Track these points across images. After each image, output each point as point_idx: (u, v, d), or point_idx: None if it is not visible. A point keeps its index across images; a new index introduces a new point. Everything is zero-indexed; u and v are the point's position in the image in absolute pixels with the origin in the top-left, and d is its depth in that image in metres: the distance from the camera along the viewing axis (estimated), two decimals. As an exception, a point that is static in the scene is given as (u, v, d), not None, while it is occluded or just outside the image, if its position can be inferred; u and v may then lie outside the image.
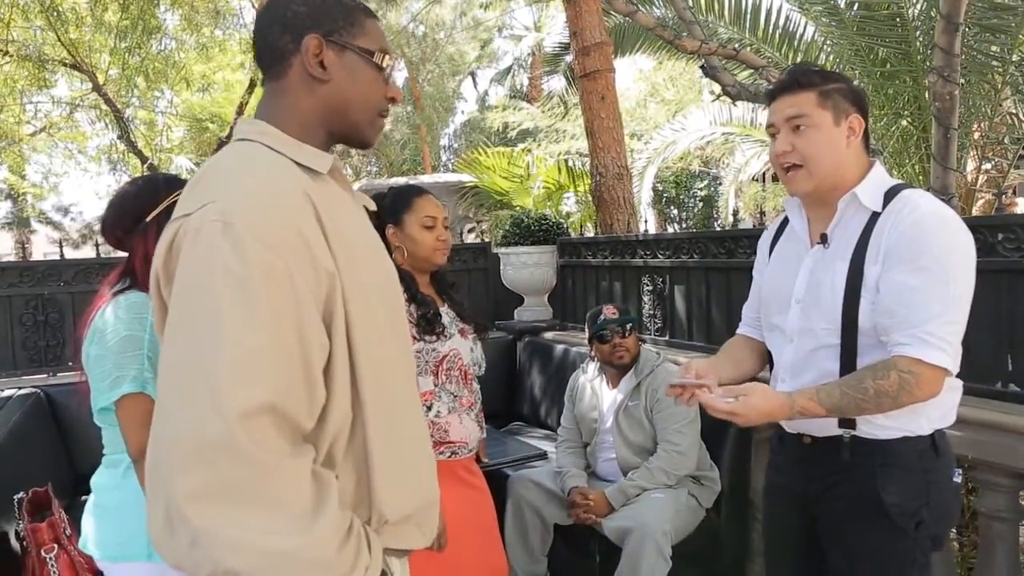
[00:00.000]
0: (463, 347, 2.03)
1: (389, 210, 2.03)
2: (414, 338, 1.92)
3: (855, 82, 1.66)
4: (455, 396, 1.98)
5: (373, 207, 1.25)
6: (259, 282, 0.87)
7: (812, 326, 1.55)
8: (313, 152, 1.05)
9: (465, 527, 1.89)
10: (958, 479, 1.55)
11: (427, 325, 1.94)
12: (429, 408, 1.93)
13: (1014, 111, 4.74)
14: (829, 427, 1.55)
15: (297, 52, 1.05)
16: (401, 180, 9.81)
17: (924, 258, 1.39)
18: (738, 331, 1.89)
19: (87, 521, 1.61)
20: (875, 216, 1.48)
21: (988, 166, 5.26)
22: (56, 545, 1.97)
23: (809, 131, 1.51)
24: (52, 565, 1.94)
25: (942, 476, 1.51)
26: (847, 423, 1.52)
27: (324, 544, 0.87)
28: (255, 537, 0.83)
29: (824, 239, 1.56)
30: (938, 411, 1.50)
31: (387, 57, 1.11)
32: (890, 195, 1.49)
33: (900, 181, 1.55)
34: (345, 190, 1.12)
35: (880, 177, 1.53)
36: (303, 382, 0.91)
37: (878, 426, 1.49)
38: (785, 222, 1.72)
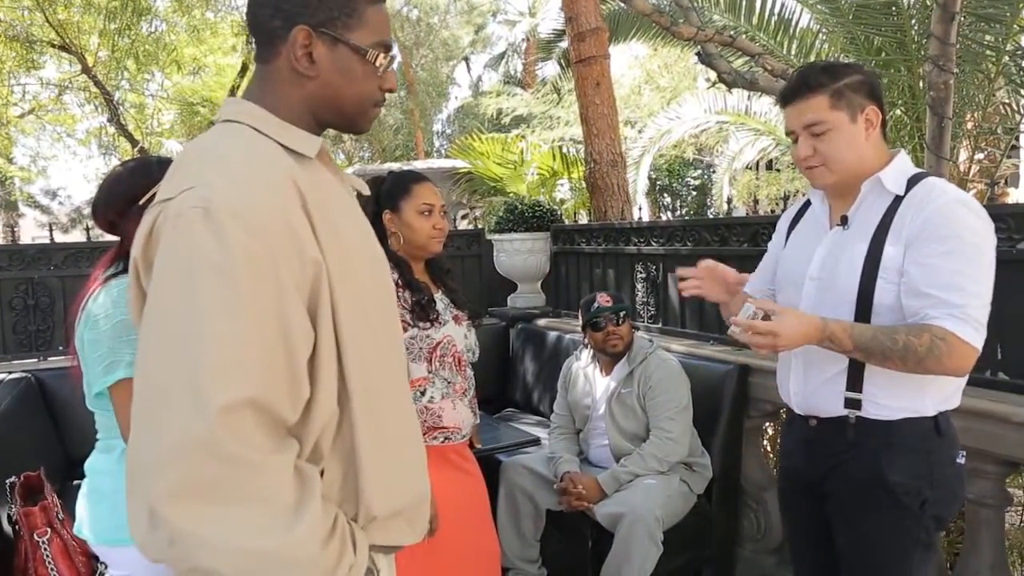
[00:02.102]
0: (457, 334, 2.02)
1: (387, 195, 2.01)
2: (408, 324, 1.92)
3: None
4: (449, 382, 1.98)
5: (365, 191, 1.21)
6: (241, 272, 0.83)
7: (826, 303, 1.57)
8: (301, 135, 1.01)
9: (458, 512, 1.90)
10: (962, 460, 1.56)
11: (421, 311, 1.93)
12: (423, 394, 1.93)
13: (1007, 101, 4.76)
14: (835, 408, 1.57)
15: (286, 40, 0.98)
16: (395, 165, 9.78)
17: (953, 241, 1.41)
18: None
19: (81, 506, 1.61)
20: (898, 200, 1.51)
21: (981, 156, 5.29)
22: (49, 529, 1.97)
23: (828, 134, 1.53)
24: (45, 548, 1.94)
25: (945, 457, 1.54)
26: (853, 404, 1.55)
27: (306, 543, 0.85)
28: (235, 537, 0.81)
29: (844, 221, 1.58)
30: (942, 393, 1.53)
31: (381, 56, 1.02)
32: (914, 180, 1.52)
33: (924, 170, 1.57)
34: (333, 174, 1.08)
35: (904, 164, 1.56)
36: (287, 375, 0.88)
37: (883, 407, 1.52)
38: (806, 205, 1.74)
